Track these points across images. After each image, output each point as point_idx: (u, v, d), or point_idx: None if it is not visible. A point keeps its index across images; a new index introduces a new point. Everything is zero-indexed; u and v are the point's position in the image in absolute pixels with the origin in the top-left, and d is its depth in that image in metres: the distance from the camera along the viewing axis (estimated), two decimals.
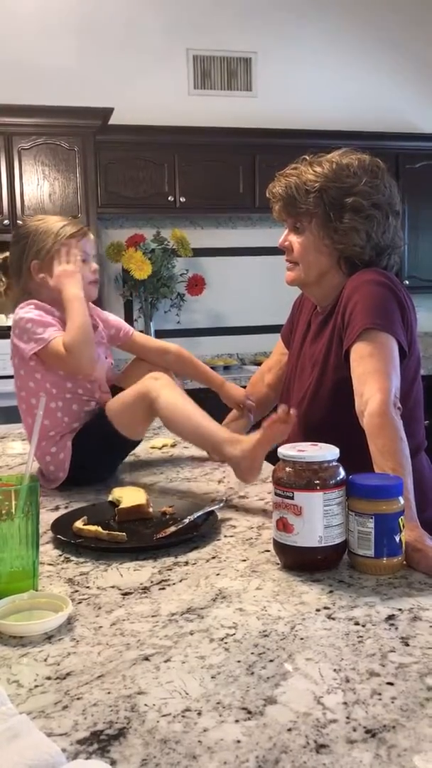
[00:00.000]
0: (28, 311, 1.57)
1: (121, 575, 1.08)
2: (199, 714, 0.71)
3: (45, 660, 0.83)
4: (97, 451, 1.56)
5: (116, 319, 1.82)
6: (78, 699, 0.75)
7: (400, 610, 0.93)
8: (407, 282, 4.13)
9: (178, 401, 1.50)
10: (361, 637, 0.86)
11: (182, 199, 4.04)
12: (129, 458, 1.83)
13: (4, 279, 1.72)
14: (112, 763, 0.64)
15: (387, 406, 1.26)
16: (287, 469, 1.06)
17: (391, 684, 0.76)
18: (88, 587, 1.04)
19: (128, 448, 1.69)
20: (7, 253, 1.73)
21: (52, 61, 4.04)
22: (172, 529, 1.23)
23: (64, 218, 1.69)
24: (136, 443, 1.69)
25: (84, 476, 1.57)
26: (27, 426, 1.65)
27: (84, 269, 1.64)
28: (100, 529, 1.22)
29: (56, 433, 1.58)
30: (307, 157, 1.54)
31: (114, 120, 3.80)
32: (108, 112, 3.72)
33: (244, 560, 1.13)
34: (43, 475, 1.60)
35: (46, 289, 1.62)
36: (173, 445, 1.95)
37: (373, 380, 1.30)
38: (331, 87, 4.53)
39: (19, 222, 3.64)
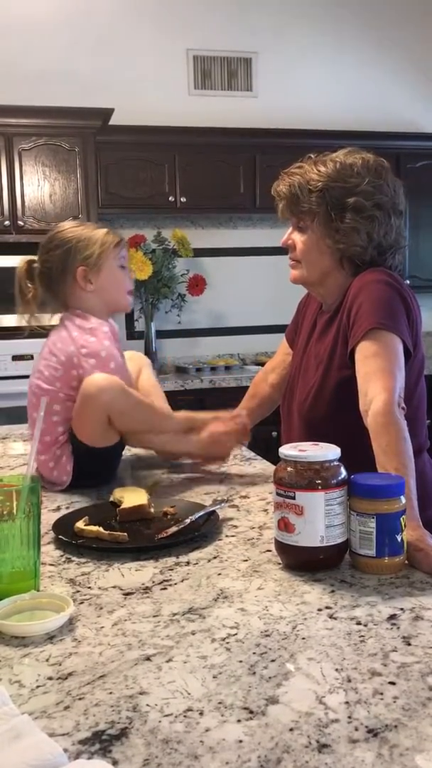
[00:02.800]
0: (103, 338, 1.55)
1: (123, 575, 1.08)
2: (201, 714, 0.71)
3: (47, 660, 0.83)
4: (94, 454, 1.55)
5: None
6: (80, 699, 0.75)
7: (401, 609, 0.93)
8: (408, 282, 4.13)
9: (122, 403, 1.50)
10: (362, 636, 0.86)
11: (183, 200, 4.04)
12: (130, 458, 1.83)
13: (30, 285, 1.68)
14: (114, 763, 0.64)
15: (391, 406, 1.26)
16: (288, 468, 1.06)
17: (393, 683, 0.76)
18: (89, 587, 1.04)
19: (120, 448, 1.68)
20: (29, 258, 1.69)
21: (53, 62, 4.05)
22: (174, 529, 1.23)
23: (98, 225, 1.69)
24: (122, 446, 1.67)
25: (86, 481, 1.57)
26: (32, 421, 1.64)
27: (125, 278, 1.66)
28: (101, 529, 1.22)
29: (55, 439, 1.57)
30: (313, 156, 1.54)
31: (114, 120, 3.80)
32: (108, 112, 3.72)
33: (246, 560, 1.12)
34: (47, 480, 1.59)
35: (89, 295, 1.62)
36: None
37: (377, 379, 1.30)
38: (331, 87, 4.53)
39: (22, 220, 3.64)
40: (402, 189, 1.55)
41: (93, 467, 1.56)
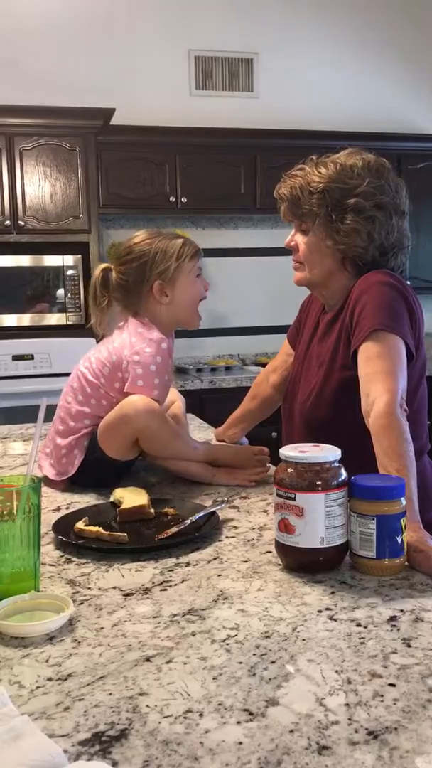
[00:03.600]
0: (158, 353, 1.55)
1: (123, 576, 1.08)
2: (201, 715, 0.71)
3: (46, 661, 0.83)
4: (108, 462, 1.55)
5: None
6: (80, 700, 0.75)
7: (402, 611, 0.93)
8: (409, 282, 4.13)
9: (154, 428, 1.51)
10: (362, 638, 0.86)
11: (183, 200, 4.04)
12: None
13: (104, 292, 1.68)
14: (114, 764, 0.64)
15: (393, 407, 1.26)
16: (289, 470, 1.06)
17: (393, 685, 0.75)
18: (89, 588, 1.04)
19: (127, 468, 1.66)
20: (104, 264, 1.69)
21: (54, 62, 4.05)
22: (174, 529, 1.23)
23: (175, 234, 1.69)
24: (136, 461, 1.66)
25: (89, 479, 1.57)
26: (62, 408, 1.64)
27: (200, 288, 1.66)
28: (101, 529, 1.22)
29: (77, 428, 1.58)
30: (314, 158, 1.55)
31: (115, 120, 3.80)
32: (109, 112, 3.72)
33: (246, 561, 1.12)
34: (52, 466, 1.60)
35: (162, 308, 1.62)
36: None
37: (380, 381, 1.30)
38: (332, 87, 4.52)
39: (22, 220, 3.64)
40: (405, 189, 1.55)
41: (101, 472, 1.56)
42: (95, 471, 1.55)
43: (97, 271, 1.69)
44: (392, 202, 1.50)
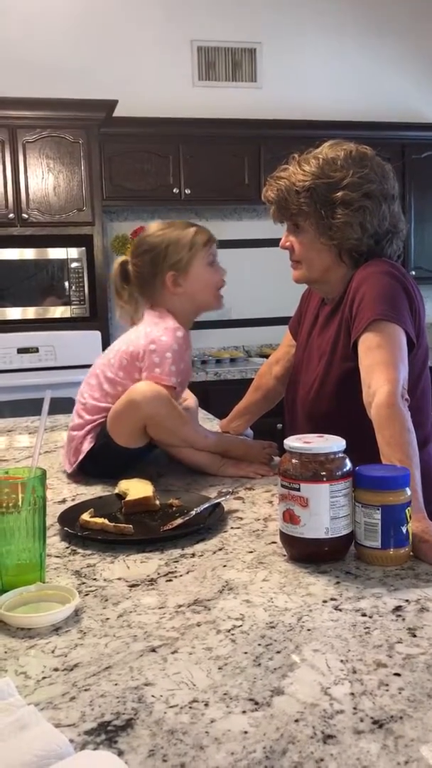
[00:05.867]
0: (173, 341, 1.54)
1: (128, 567, 1.08)
2: (206, 705, 0.71)
3: (52, 652, 0.83)
4: (117, 450, 1.55)
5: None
6: (85, 690, 0.75)
7: (407, 601, 0.93)
8: (413, 273, 4.12)
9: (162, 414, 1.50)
10: (368, 628, 0.86)
11: (187, 191, 4.03)
12: None
13: (125, 285, 1.69)
14: (120, 753, 0.64)
15: (395, 397, 1.25)
16: (293, 460, 1.06)
17: (398, 675, 0.76)
18: (95, 579, 1.04)
19: (137, 457, 1.65)
20: (122, 258, 1.70)
21: (56, 54, 4.03)
22: (179, 521, 1.23)
23: (189, 223, 1.69)
24: (148, 451, 1.65)
25: (96, 469, 1.57)
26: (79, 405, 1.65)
27: (214, 275, 1.66)
28: (106, 521, 1.22)
29: (95, 419, 1.58)
30: (296, 156, 1.54)
31: (118, 112, 3.79)
32: (112, 104, 3.71)
33: (251, 552, 1.13)
34: (67, 459, 1.61)
35: (178, 298, 1.62)
36: None
37: (381, 371, 1.30)
38: (336, 77, 4.50)
39: (26, 212, 3.64)
40: (392, 172, 1.53)
41: (109, 460, 1.56)
42: (103, 459, 1.55)
43: (116, 265, 1.71)
44: (380, 188, 1.49)
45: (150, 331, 1.58)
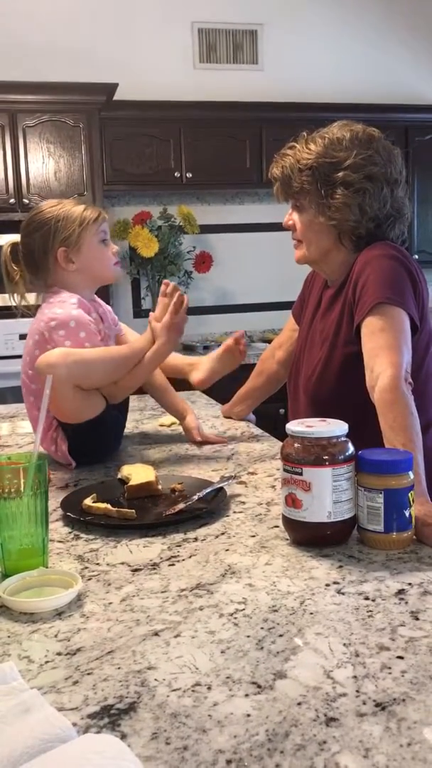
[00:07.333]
0: (70, 308, 1.51)
1: (131, 552, 1.09)
2: (209, 688, 0.71)
3: (55, 636, 0.83)
4: (89, 435, 1.53)
5: (113, 315, 1.80)
6: (88, 674, 0.75)
7: (410, 584, 0.93)
8: (416, 256, 4.10)
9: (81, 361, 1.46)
10: (370, 611, 0.86)
11: (189, 175, 4.00)
12: (137, 436, 1.83)
13: (16, 267, 1.67)
14: (123, 737, 0.64)
15: (398, 381, 1.25)
16: (296, 444, 1.06)
17: (401, 658, 0.76)
18: (97, 564, 1.04)
19: (119, 422, 1.67)
20: (14, 238, 1.68)
21: (56, 37, 4.00)
22: (182, 505, 1.23)
23: (77, 201, 1.67)
24: (123, 416, 1.66)
25: (87, 458, 1.57)
26: (30, 407, 1.65)
27: (106, 251, 1.64)
28: (109, 506, 1.22)
29: (49, 424, 1.55)
30: (305, 134, 1.53)
31: (119, 96, 3.76)
32: (112, 87, 3.68)
33: (254, 536, 1.13)
34: (58, 463, 1.60)
35: (71, 274, 1.60)
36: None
37: (384, 355, 1.29)
38: (338, 59, 4.46)
39: (27, 197, 3.62)
40: (399, 157, 1.52)
41: (86, 444, 1.55)
42: (82, 445, 1.54)
43: (6, 245, 1.67)
44: (383, 171, 1.47)
45: (46, 312, 1.54)
